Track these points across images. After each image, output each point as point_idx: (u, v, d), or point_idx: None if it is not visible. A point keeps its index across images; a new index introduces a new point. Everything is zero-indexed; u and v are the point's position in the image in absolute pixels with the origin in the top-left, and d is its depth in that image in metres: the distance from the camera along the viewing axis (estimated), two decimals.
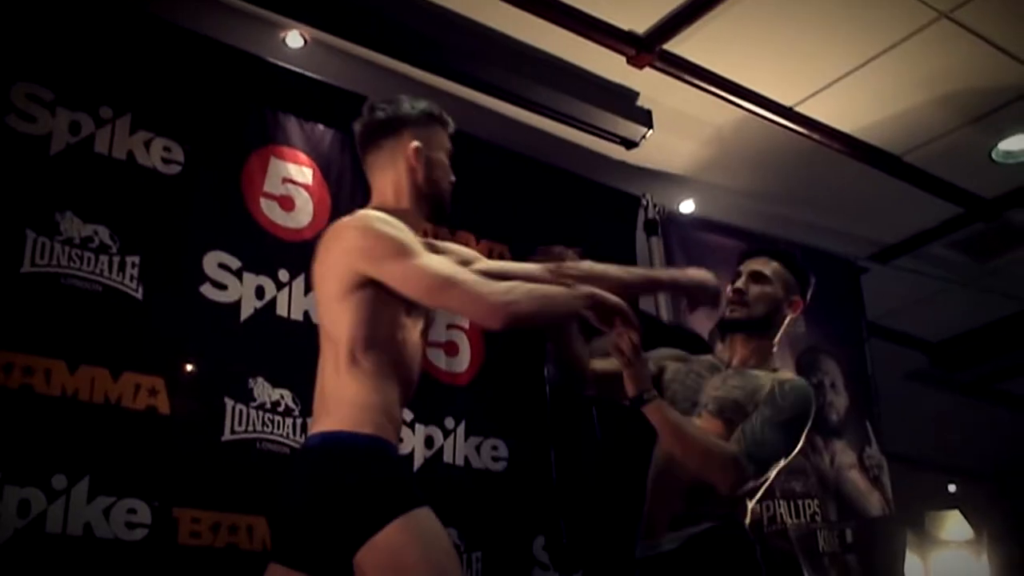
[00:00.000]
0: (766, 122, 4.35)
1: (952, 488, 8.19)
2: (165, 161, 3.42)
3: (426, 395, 3.45)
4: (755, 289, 2.88)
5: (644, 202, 4.65)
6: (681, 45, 3.92)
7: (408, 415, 3.49)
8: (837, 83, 4.19)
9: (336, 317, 2.32)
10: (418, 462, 3.63)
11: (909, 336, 6.48)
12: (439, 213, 2.60)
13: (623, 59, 3.94)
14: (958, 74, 4.20)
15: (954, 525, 7.39)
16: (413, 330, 2.41)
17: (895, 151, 4.69)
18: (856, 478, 4.86)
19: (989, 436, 7.66)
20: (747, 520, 2.79)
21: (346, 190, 3.79)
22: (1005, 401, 7.44)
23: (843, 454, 4.86)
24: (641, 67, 3.97)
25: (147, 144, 3.39)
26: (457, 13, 3.76)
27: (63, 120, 3.24)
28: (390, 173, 2.54)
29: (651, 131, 4.24)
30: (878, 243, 5.47)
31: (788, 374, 2.93)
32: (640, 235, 4.62)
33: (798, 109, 4.33)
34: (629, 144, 4.26)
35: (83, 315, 3.08)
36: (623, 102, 4.20)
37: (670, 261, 4.62)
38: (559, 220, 4.38)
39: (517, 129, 4.27)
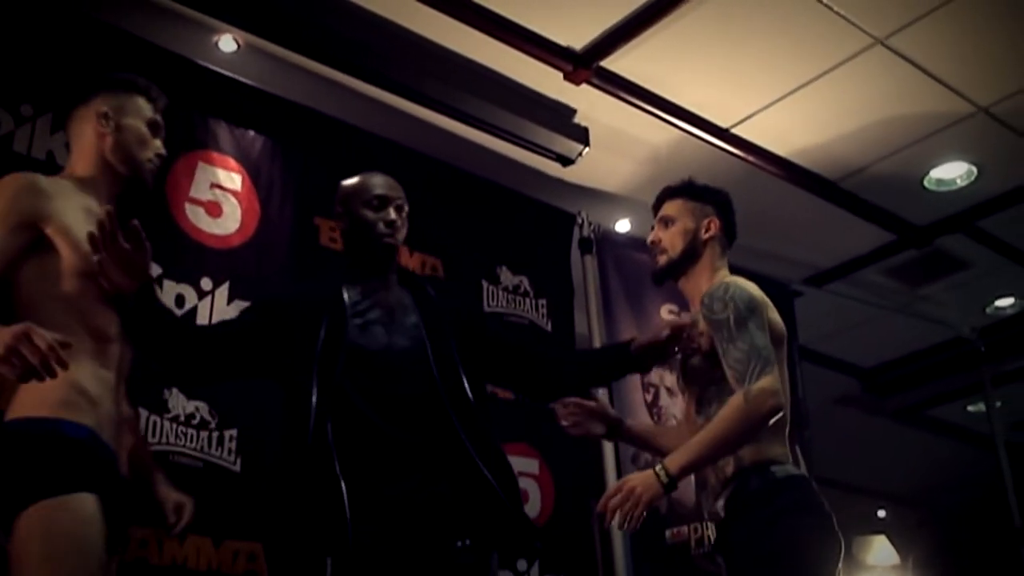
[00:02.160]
0: (702, 143, 4.35)
1: (882, 513, 8.27)
2: None
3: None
4: (665, 234, 2.87)
5: (579, 220, 4.64)
6: (618, 62, 3.92)
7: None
8: (773, 106, 4.21)
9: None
10: None
11: (840, 361, 6.53)
12: (136, 185, 2.51)
13: (560, 75, 3.92)
14: (892, 101, 4.24)
15: (880, 550, 7.44)
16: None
17: (830, 176, 4.72)
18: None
19: (918, 462, 7.75)
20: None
21: (276, 197, 3.74)
22: (935, 427, 7.52)
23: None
24: (578, 83, 3.95)
25: (68, 144, 3.29)
26: (394, 23, 3.71)
27: None
28: (80, 141, 2.49)
29: (587, 148, 4.22)
30: (812, 267, 5.50)
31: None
32: (575, 253, 4.60)
33: (734, 131, 4.35)
34: (565, 161, 4.25)
35: None
36: (560, 118, 4.18)
37: (604, 279, 4.61)
38: (494, 235, 4.36)
39: (453, 142, 4.24)
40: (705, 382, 2.73)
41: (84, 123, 2.47)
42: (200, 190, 3.56)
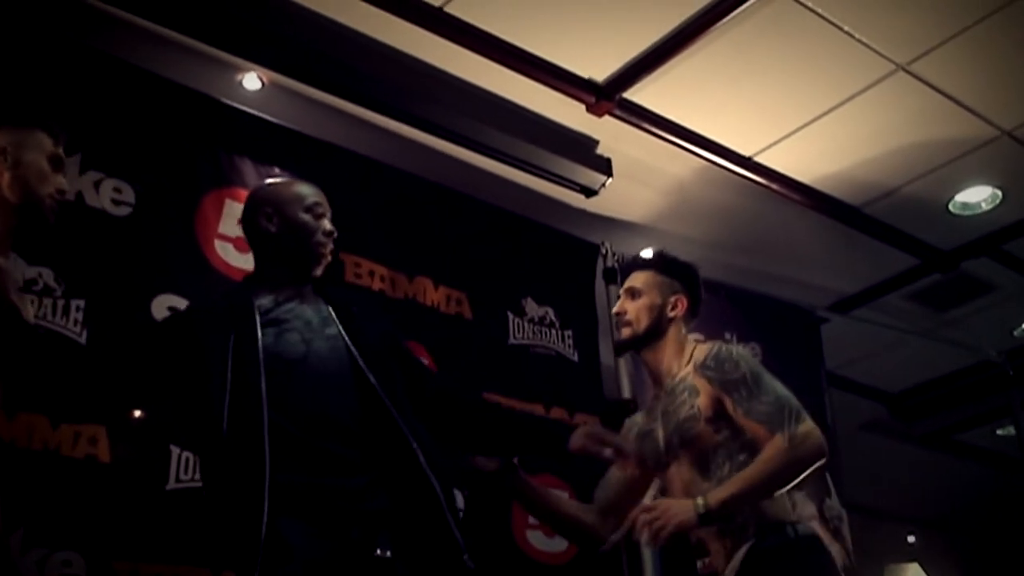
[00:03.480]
0: (725, 172, 4.36)
1: (911, 539, 8.18)
2: (115, 202, 3.34)
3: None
4: (631, 305, 2.85)
5: (603, 250, 4.63)
6: (640, 94, 3.93)
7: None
8: (796, 134, 4.22)
9: None
10: None
11: (867, 387, 6.49)
12: (35, 219, 2.43)
13: (583, 107, 3.94)
14: (915, 126, 4.24)
15: None
16: None
17: (854, 202, 4.72)
18: (816, 529, 4.80)
19: (947, 486, 7.67)
20: None
21: None
22: (963, 452, 7.45)
23: (803, 505, 4.78)
24: (600, 115, 3.96)
25: (97, 185, 3.32)
26: (416, 58, 3.74)
27: None
28: None
29: (610, 179, 4.23)
30: (837, 293, 5.48)
31: (701, 352, 2.80)
32: (599, 283, 4.60)
33: (757, 159, 4.35)
34: (589, 192, 4.26)
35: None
36: (583, 150, 4.19)
37: None
38: (518, 267, 4.37)
39: (475, 175, 4.25)
40: (709, 447, 2.68)
41: None
42: (228, 226, 3.57)
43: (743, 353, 2.71)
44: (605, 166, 4.23)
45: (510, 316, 4.27)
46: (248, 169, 3.69)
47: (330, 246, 2.58)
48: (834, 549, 4.79)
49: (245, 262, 3.55)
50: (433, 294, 4.03)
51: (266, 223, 2.55)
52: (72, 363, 2.93)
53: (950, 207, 4.80)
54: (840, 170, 4.48)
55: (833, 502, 4.97)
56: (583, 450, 2.53)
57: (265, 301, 2.46)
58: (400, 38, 3.64)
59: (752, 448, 2.61)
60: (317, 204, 2.57)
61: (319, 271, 2.58)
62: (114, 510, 2.99)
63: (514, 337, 4.26)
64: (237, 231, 3.57)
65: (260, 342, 2.34)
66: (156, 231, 3.41)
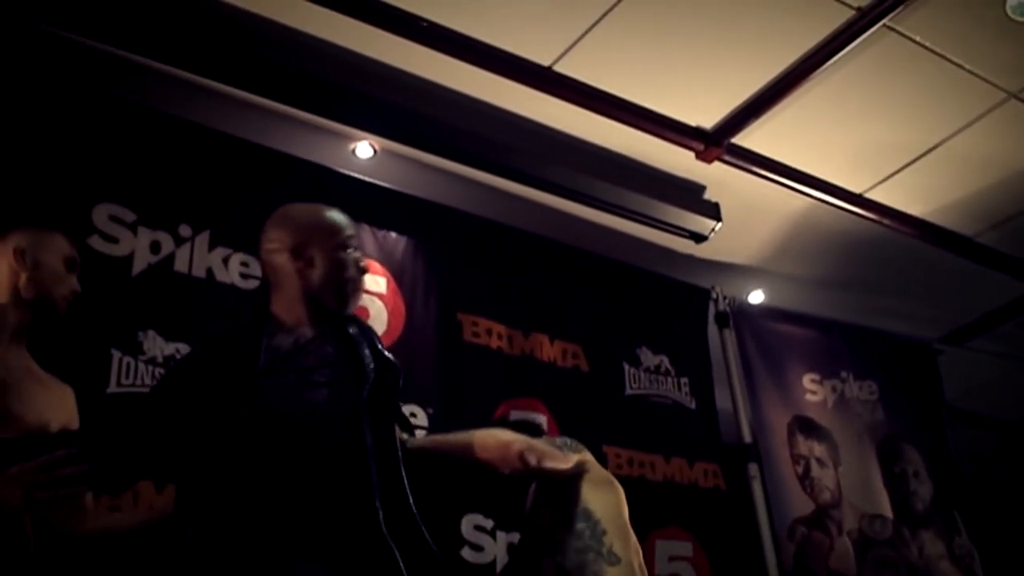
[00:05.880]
0: (835, 210, 4.32)
1: None
2: (243, 276, 3.41)
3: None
4: None
5: (714, 295, 4.61)
6: (749, 138, 3.93)
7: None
8: (907, 168, 4.17)
9: None
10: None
11: (983, 417, 6.34)
12: (49, 315, 2.44)
13: (692, 154, 3.94)
14: None
15: None
16: None
17: (966, 232, 4.65)
18: (947, 569, 4.70)
19: None
20: None
21: (420, 296, 3.79)
22: None
23: (932, 545, 4.71)
24: (710, 161, 3.97)
25: (225, 260, 3.40)
26: (525, 117, 3.78)
27: (144, 240, 3.26)
28: None
29: (720, 224, 4.21)
30: (951, 324, 5.38)
31: None
32: (712, 328, 4.57)
33: (868, 195, 4.31)
34: (699, 238, 4.25)
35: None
36: (691, 196, 4.20)
37: (743, 352, 4.57)
38: (631, 317, 4.37)
39: (585, 227, 4.28)
40: None
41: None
42: None
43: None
44: (714, 211, 4.22)
45: (626, 367, 4.26)
46: (367, 236, 3.75)
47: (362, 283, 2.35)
48: None
49: None
50: (549, 349, 4.04)
51: (295, 259, 2.29)
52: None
53: None
54: (952, 201, 4.42)
55: (963, 540, 4.86)
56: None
57: (284, 342, 2.22)
58: (509, 98, 3.69)
59: None
60: (352, 238, 2.35)
61: (349, 309, 2.33)
62: None
63: (631, 387, 4.24)
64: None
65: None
66: None
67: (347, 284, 2.30)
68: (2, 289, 2.41)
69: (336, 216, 2.37)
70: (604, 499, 2.24)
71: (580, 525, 2.20)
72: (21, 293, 2.41)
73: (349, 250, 2.32)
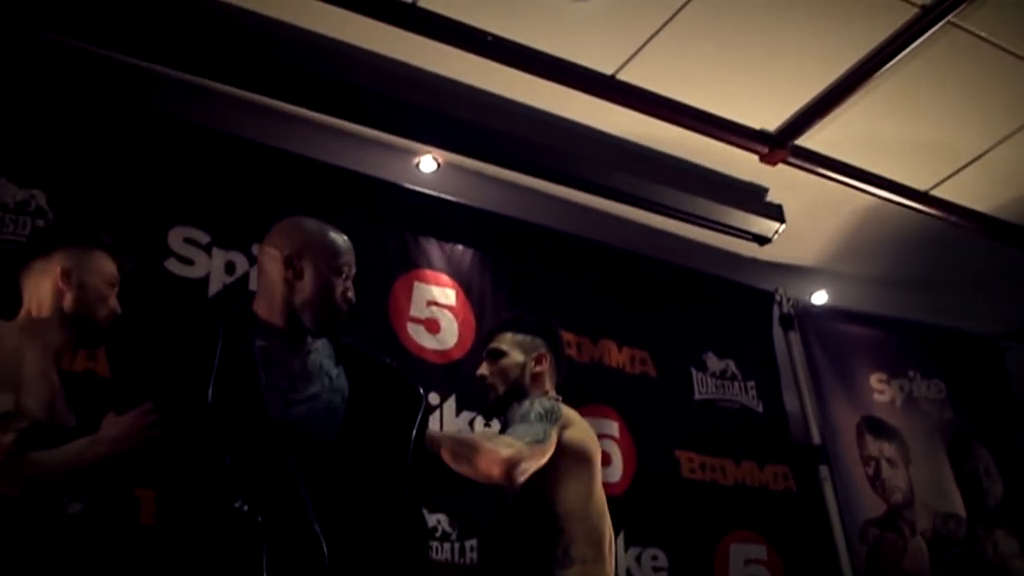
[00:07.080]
0: (900, 208, 4.28)
1: None
2: None
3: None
4: (492, 368, 2.77)
5: (778, 297, 4.60)
6: (813, 139, 3.91)
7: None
8: (972, 164, 4.13)
9: None
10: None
11: None
12: (90, 336, 2.47)
13: (755, 157, 3.93)
14: None
15: None
16: None
17: None
18: (1022, 567, 4.64)
19: None
20: None
21: (489, 308, 3.81)
22: None
23: (1005, 542, 4.66)
24: (774, 164, 3.95)
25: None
26: (587, 126, 3.79)
27: (219, 261, 3.31)
28: (38, 292, 2.42)
29: (784, 226, 4.20)
30: (1017, 321, 5.30)
31: None
32: (777, 330, 4.56)
33: (933, 193, 4.27)
34: (763, 240, 4.23)
35: None
36: (755, 199, 4.19)
37: (809, 354, 4.55)
38: (697, 321, 4.36)
39: (648, 233, 4.28)
40: None
41: (43, 277, 2.43)
42: (419, 308, 3.66)
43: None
44: (777, 213, 4.21)
45: (693, 372, 4.26)
46: (434, 249, 3.79)
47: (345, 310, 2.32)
48: None
49: (435, 342, 3.65)
50: (617, 355, 4.05)
51: (285, 268, 2.29)
52: None
53: None
54: (1017, 196, 4.36)
55: None
56: None
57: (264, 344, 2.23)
58: (572, 108, 3.70)
59: None
60: (348, 265, 2.33)
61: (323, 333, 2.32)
62: None
63: (699, 392, 4.24)
64: (427, 312, 3.69)
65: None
66: (352, 318, 3.49)
67: (327, 307, 2.27)
68: (45, 307, 2.43)
69: (339, 239, 2.36)
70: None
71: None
72: (65, 311, 2.43)
73: (342, 276, 2.31)
